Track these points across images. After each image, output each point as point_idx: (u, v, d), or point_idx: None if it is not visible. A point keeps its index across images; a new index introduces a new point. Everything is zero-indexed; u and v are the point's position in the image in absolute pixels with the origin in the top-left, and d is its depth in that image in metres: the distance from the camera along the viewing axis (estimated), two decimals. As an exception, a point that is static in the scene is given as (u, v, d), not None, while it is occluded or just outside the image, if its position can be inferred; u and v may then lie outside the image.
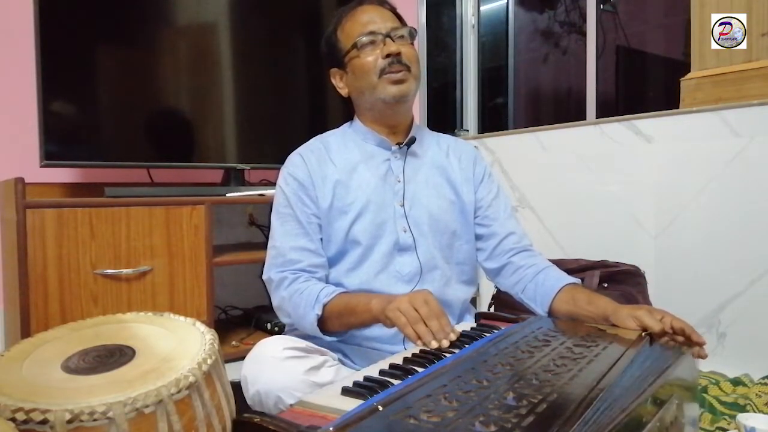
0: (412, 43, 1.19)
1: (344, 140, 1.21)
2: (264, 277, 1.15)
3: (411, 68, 1.13)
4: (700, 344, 0.91)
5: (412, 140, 1.18)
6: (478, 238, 1.23)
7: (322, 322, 1.04)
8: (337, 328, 1.05)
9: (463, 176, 1.22)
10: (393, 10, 1.19)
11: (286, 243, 1.12)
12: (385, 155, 1.18)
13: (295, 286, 1.07)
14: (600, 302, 1.00)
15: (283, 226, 1.14)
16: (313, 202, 1.14)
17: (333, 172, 1.15)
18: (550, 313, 1.09)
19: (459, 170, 1.22)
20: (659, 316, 0.91)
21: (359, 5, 1.17)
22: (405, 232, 1.13)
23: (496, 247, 1.20)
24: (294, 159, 1.19)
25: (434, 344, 0.84)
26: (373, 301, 0.96)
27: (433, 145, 1.24)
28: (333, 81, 1.22)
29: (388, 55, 1.11)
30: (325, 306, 1.02)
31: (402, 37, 1.15)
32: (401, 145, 1.17)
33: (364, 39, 1.13)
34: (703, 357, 0.91)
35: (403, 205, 1.14)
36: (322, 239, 1.14)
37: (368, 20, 1.14)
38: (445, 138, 1.29)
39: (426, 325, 0.87)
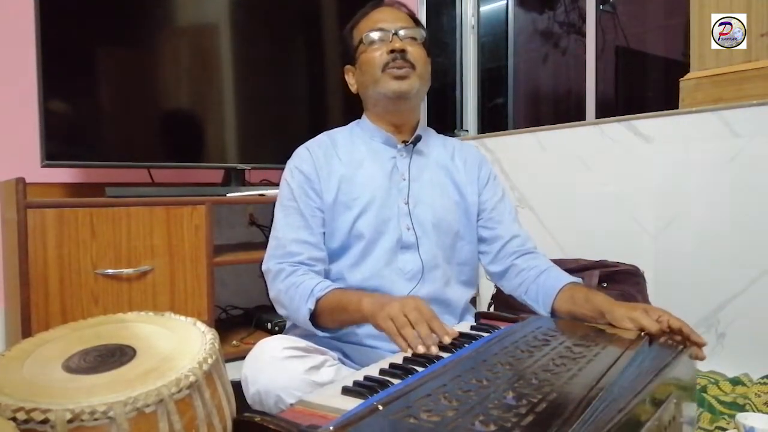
0: (425, 47, 1.20)
1: (351, 137, 1.22)
2: (263, 267, 1.14)
3: (416, 66, 1.14)
4: (699, 344, 0.89)
5: (418, 138, 1.19)
6: (482, 240, 1.23)
7: (315, 317, 1.03)
8: (329, 324, 1.04)
9: (468, 178, 1.23)
10: (411, 14, 1.21)
11: (288, 235, 1.12)
12: (391, 153, 1.19)
13: (292, 279, 1.07)
14: (597, 300, 1.00)
15: (287, 218, 1.14)
16: (318, 195, 1.14)
17: (338, 167, 1.16)
18: (552, 314, 1.09)
19: (464, 172, 1.23)
20: (656, 316, 0.91)
21: (377, 5, 1.20)
22: (408, 230, 1.14)
23: (501, 250, 1.20)
24: (301, 152, 1.19)
25: (421, 349, 0.82)
26: (365, 300, 0.95)
27: (438, 146, 1.25)
28: (346, 78, 1.25)
29: (392, 51, 1.12)
30: (318, 300, 1.01)
31: (413, 38, 1.16)
32: (407, 144, 1.18)
33: (372, 35, 1.15)
34: (701, 358, 0.90)
35: (407, 203, 1.15)
36: (324, 233, 1.14)
37: (380, 18, 1.18)
38: (450, 141, 1.30)
39: (414, 329, 0.85)
